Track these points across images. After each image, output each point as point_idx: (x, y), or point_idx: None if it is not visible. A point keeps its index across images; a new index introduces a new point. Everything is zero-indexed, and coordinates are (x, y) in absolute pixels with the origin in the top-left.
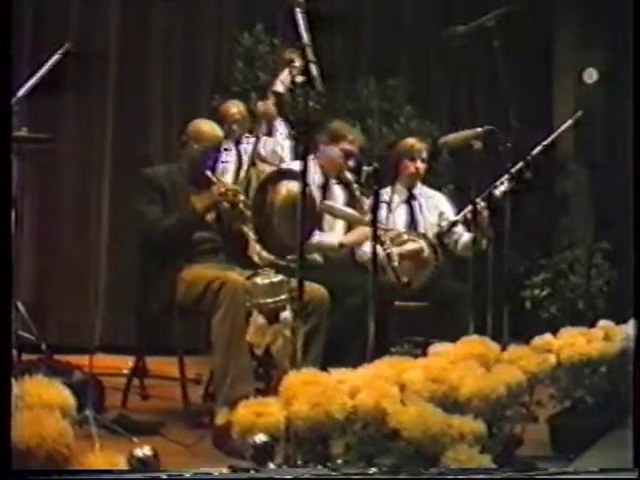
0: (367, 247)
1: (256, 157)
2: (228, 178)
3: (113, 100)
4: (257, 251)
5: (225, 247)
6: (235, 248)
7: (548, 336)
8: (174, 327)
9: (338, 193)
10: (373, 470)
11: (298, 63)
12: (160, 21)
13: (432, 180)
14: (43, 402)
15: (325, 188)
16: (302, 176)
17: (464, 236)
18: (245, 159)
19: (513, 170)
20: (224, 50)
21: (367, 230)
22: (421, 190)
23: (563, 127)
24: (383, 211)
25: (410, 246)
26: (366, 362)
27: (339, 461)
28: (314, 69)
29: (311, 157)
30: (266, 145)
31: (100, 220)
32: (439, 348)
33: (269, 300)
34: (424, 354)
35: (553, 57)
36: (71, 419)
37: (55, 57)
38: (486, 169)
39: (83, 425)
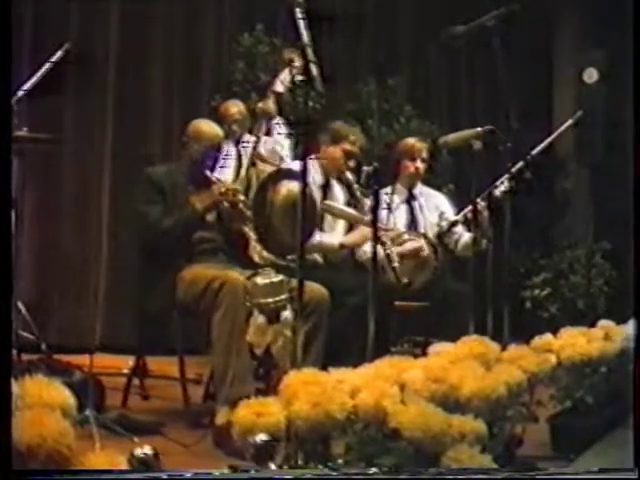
0: (367, 247)
1: (256, 157)
2: (228, 178)
3: (113, 100)
4: (257, 251)
5: (225, 247)
6: (235, 248)
7: (548, 336)
8: (174, 327)
9: (339, 193)
10: (373, 470)
11: (298, 63)
12: (160, 21)
13: (432, 180)
14: (43, 402)
15: (326, 188)
16: (302, 176)
17: (464, 236)
18: (245, 159)
19: (513, 170)
20: (224, 50)
21: (367, 231)
22: (421, 190)
23: (563, 127)
24: (383, 211)
25: (410, 245)
26: (366, 362)
27: (339, 461)
28: (314, 69)
29: (312, 157)
30: (266, 145)
31: (100, 220)
32: (439, 348)
33: (269, 300)
34: (424, 354)
35: (553, 57)
36: (71, 419)
37: (55, 57)
38: (486, 169)
39: (84, 425)
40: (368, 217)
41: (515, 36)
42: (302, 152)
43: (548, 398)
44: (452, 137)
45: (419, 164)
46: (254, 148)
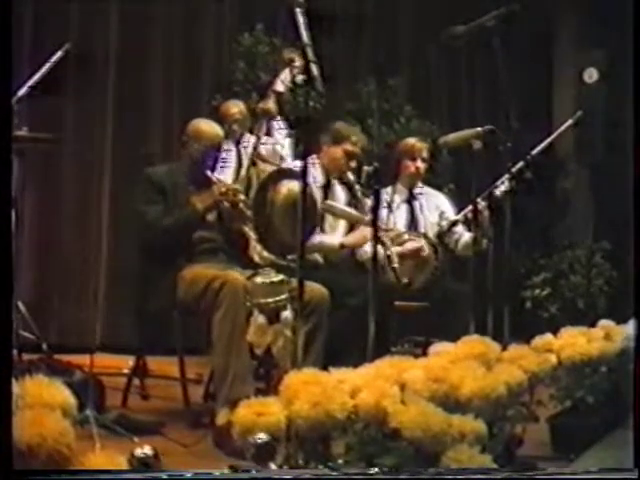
0: (368, 247)
1: (256, 157)
2: (228, 178)
3: (113, 100)
4: (258, 251)
5: (225, 247)
6: (235, 248)
7: (548, 336)
8: (174, 327)
9: (340, 193)
10: (373, 470)
11: (298, 63)
12: (160, 21)
13: (432, 180)
14: (44, 402)
15: (327, 188)
16: (302, 176)
17: (464, 236)
18: (245, 159)
19: (513, 170)
20: (224, 50)
21: (368, 231)
22: (422, 190)
23: (563, 127)
24: (384, 211)
25: (410, 245)
26: (367, 362)
27: (340, 461)
28: (314, 69)
29: (313, 157)
30: (267, 145)
31: (100, 220)
32: (439, 348)
33: (269, 300)
34: (424, 354)
35: (553, 57)
36: (72, 419)
37: (55, 57)
38: (486, 169)
39: (84, 425)
40: (368, 217)
41: (515, 36)
42: (302, 152)
43: (548, 398)
44: (452, 137)
45: (419, 164)
46: (254, 148)
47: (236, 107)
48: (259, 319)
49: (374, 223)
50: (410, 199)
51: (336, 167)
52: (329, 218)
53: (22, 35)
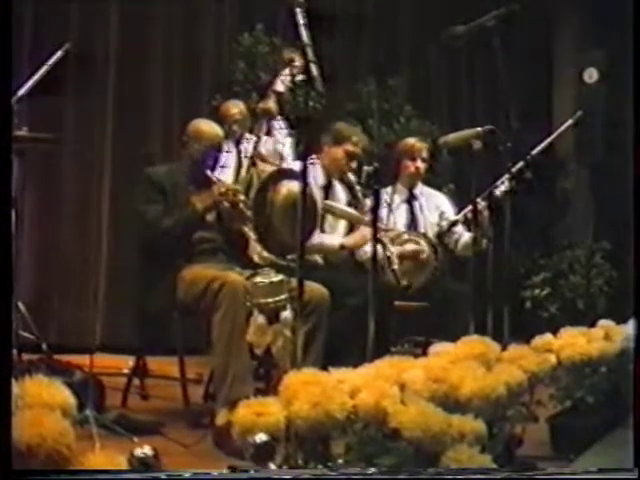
0: (367, 247)
1: (256, 157)
2: (228, 178)
3: (113, 100)
4: (257, 251)
5: (225, 247)
6: (235, 248)
7: (548, 336)
8: (174, 327)
9: (340, 194)
10: (373, 470)
11: (298, 63)
12: (160, 21)
13: (432, 180)
14: (43, 402)
15: (328, 189)
16: (302, 176)
17: (464, 236)
18: (245, 159)
19: (513, 170)
20: (224, 50)
21: (368, 232)
22: (421, 190)
23: (563, 127)
24: (384, 211)
25: (410, 247)
26: (366, 362)
27: (339, 461)
28: (314, 69)
29: (314, 157)
30: (267, 144)
31: (100, 220)
32: (439, 348)
33: (269, 300)
34: (424, 354)
35: (553, 57)
36: (71, 419)
37: (55, 57)
38: (486, 169)
39: (83, 425)
40: (368, 217)
41: (515, 36)
42: (303, 152)
43: (548, 398)
44: (452, 137)
45: (419, 164)
46: (254, 148)
47: (236, 107)
48: (259, 319)
49: (374, 223)
50: (410, 199)
51: (337, 167)
52: (329, 218)
53: (22, 35)
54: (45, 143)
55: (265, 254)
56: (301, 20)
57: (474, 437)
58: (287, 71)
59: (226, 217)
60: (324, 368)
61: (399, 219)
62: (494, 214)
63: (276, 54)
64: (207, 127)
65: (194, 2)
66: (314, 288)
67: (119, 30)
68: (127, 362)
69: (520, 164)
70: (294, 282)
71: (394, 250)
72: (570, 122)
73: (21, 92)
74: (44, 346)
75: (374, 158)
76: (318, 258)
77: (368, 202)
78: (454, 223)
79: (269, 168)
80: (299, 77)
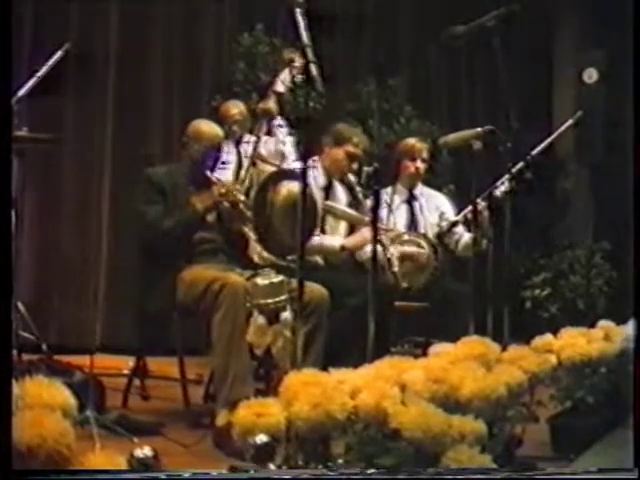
0: (367, 247)
1: (256, 157)
2: (228, 178)
3: (113, 100)
4: (257, 251)
5: (225, 247)
6: (235, 248)
7: (548, 336)
8: (174, 327)
9: (341, 195)
10: (373, 470)
11: (298, 63)
12: (160, 21)
13: (432, 180)
14: (44, 402)
15: (328, 190)
16: (302, 176)
17: (464, 236)
18: (245, 159)
19: (513, 170)
20: (224, 50)
21: (368, 233)
22: (422, 190)
23: (563, 127)
24: (384, 211)
25: (410, 249)
26: (366, 362)
27: (340, 461)
28: (314, 69)
29: (315, 158)
30: (267, 145)
31: (100, 220)
32: (439, 348)
33: (269, 300)
34: (424, 354)
35: (553, 57)
36: (72, 419)
37: (55, 57)
38: (486, 169)
39: (84, 425)
40: (369, 218)
41: (515, 36)
42: (303, 152)
43: (548, 398)
44: (452, 137)
45: (419, 164)
46: (254, 148)
47: (236, 108)
48: (259, 320)
49: (374, 224)
50: (410, 199)
51: (338, 168)
52: (330, 219)
53: (22, 35)
54: (45, 143)
55: (265, 255)
56: (301, 20)
57: (474, 437)
58: (287, 71)
59: (226, 218)
60: (324, 369)
61: (399, 219)
62: (494, 214)
63: (276, 54)
64: (207, 127)
65: (194, 2)
66: (314, 289)
67: (119, 30)
68: (127, 363)
69: (520, 164)
70: (294, 283)
71: (394, 252)
72: (570, 122)
73: (21, 92)
74: (44, 346)
75: (374, 158)
76: (319, 259)
77: (368, 203)
78: (454, 223)
79: (269, 168)
80: (299, 77)
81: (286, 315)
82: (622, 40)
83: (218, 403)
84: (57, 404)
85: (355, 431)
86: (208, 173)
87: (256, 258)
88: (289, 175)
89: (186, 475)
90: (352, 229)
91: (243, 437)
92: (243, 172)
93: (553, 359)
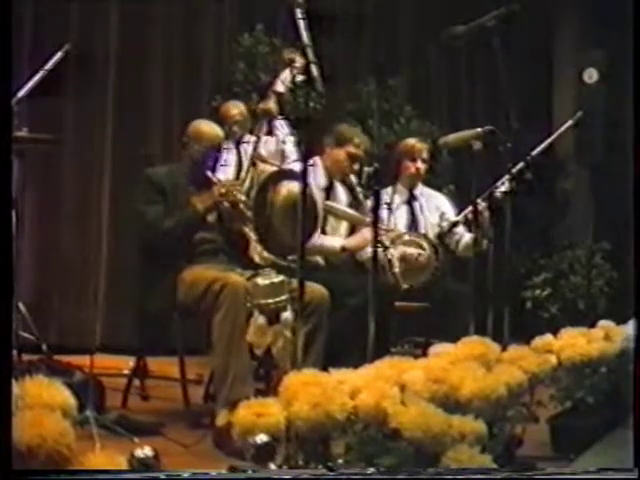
0: (368, 247)
1: (256, 157)
2: (229, 178)
3: (113, 100)
4: (258, 251)
5: (226, 247)
6: (236, 248)
7: (549, 336)
8: (175, 327)
9: (342, 195)
10: (373, 470)
11: (298, 63)
12: (160, 21)
13: (433, 180)
14: (44, 402)
15: (329, 190)
16: (302, 176)
17: (465, 236)
18: (245, 160)
19: (513, 170)
20: (224, 50)
21: (369, 234)
22: (422, 190)
23: (563, 127)
24: (384, 212)
25: (410, 250)
26: (366, 362)
27: (340, 461)
28: (314, 69)
29: (316, 159)
30: (267, 145)
31: (100, 220)
32: (439, 348)
33: (270, 300)
34: (424, 354)
35: (553, 57)
36: (72, 419)
37: (55, 57)
38: (486, 169)
39: (84, 425)
40: (369, 218)
41: (515, 36)
42: (303, 152)
43: (548, 398)
44: (452, 137)
45: (419, 165)
46: (254, 148)
47: (236, 108)
48: (259, 320)
49: (374, 224)
50: (410, 200)
51: (339, 169)
52: (331, 220)
53: (22, 35)
54: (45, 144)
55: (265, 254)
56: (301, 20)
57: (474, 437)
58: (287, 71)
59: (226, 218)
60: (324, 369)
61: (399, 220)
62: (494, 215)
63: (276, 54)
64: (207, 128)
65: (194, 2)
66: (314, 289)
67: (119, 30)
68: (127, 363)
69: (520, 165)
70: (295, 283)
71: (395, 253)
72: (570, 122)
73: (21, 93)
74: (44, 347)
75: (374, 159)
76: (319, 259)
77: (369, 203)
78: (455, 224)
79: (269, 169)
80: (299, 77)
81: (286, 315)
82: (622, 40)
83: (218, 403)
84: (57, 404)
85: (355, 431)
86: (208, 173)
87: (257, 258)
88: (289, 175)
89: (186, 475)
90: (353, 229)
91: (243, 437)
92: (243, 172)
93: (553, 359)
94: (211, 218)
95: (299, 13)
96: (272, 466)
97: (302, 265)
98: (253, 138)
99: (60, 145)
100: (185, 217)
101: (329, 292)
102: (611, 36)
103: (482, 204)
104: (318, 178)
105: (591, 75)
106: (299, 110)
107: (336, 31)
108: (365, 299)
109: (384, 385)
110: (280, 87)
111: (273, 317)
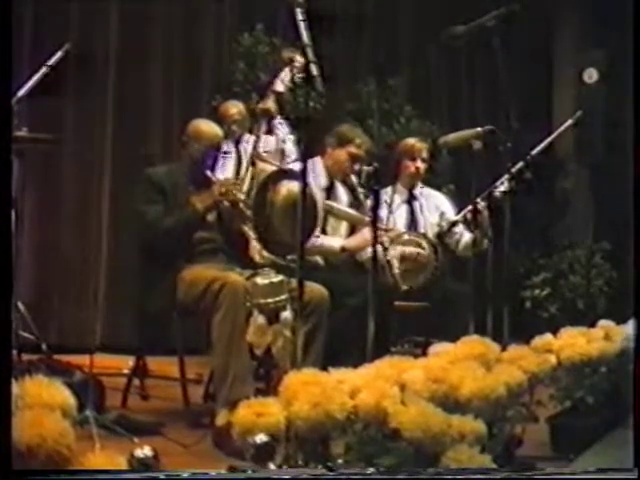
0: (368, 248)
1: (256, 157)
2: (228, 178)
3: (113, 100)
4: (257, 250)
5: (225, 247)
6: (235, 248)
7: (548, 336)
8: (174, 327)
9: (342, 195)
10: (372, 470)
11: (298, 63)
12: (160, 21)
13: (432, 180)
14: (43, 402)
15: (330, 190)
16: (302, 176)
17: (465, 236)
18: (245, 159)
19: (513, 170)
20: (224, 50)
21: (369, 234)
22: (421, 190)
23: (563, 127)
24: (384, 211)
25: (410, 250)
26: (366, 362)
27: (339, 461)
28: (314, 69)
29: (317, 159)
30: (266, 145)
31: (100, 220)
32: (439, 348)
33: (269, 300)
34: (424, 354)
35: (553, 57)
36: (71, 419)
37: (55, 57)
38: (486, 169)
39: (83, 425)
40: (369, 218)
41: (515, 36)
42: (303, 152)
43: (548, 398)
44: (452, 137)
45: (419, 164)
46: (254, 148)
47: (235, 108)
48: (259, 319)
49: (374, 223)
50: (410, 199)
51: (340, 169)
52: (331, 220)
53: (22, 35)
54: (45, 143)
55: (265, 254)
56: (301, 20)
57: (474, 437)
58: (287, 71)
59: (226, 217)
60: (324, 368)
61: (399, 219)
62: (494, 214)
63: (276, 54)
64: (207, 127)
65: (194, 2)
66: (314, 288)
67: (119, 30)
68: (127, 362)
69: (520, 164)
70: (294, 282)
71: (394, 253)
72: (570, 122)
73: (21, 92)
74: (44, 346)
75: (374, 158)
76: (319, 259)
77: (369, 203)
78: (454, 223)
79: (269, 168)
80: (299, 77)
81: (286, 315)
82: (622, 40)
83: (218, 403)
84: (57, 404)
85: (355, 431)
86: (208, 173)
87: (257, 257)
88: (289, 175)
89: (185, 475)
90: (353, 229)
91: (243, 437)
92: (243, 172)
93: (553, 359)
94: (211, 217)
95: (299, 13)
96: (272, 466)
97: (302, 265)
98: (253, 137)
99: (60, 145)
100: (185, 216)
101: (329, 292)
102: (611, 36)
103: (482, 204)
104: (319, 178)
105: (591, 75)
106: (299, 110)
107: (336, 31)
108: (365, 299)
109: (384, 385)
110: (280, 87)
111: (273, 317)
